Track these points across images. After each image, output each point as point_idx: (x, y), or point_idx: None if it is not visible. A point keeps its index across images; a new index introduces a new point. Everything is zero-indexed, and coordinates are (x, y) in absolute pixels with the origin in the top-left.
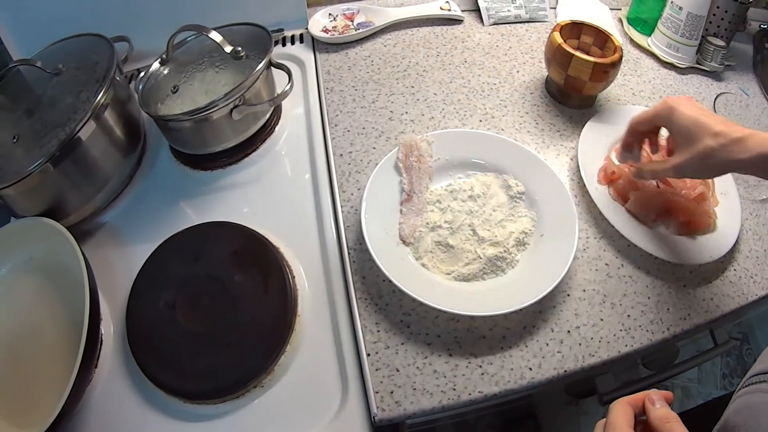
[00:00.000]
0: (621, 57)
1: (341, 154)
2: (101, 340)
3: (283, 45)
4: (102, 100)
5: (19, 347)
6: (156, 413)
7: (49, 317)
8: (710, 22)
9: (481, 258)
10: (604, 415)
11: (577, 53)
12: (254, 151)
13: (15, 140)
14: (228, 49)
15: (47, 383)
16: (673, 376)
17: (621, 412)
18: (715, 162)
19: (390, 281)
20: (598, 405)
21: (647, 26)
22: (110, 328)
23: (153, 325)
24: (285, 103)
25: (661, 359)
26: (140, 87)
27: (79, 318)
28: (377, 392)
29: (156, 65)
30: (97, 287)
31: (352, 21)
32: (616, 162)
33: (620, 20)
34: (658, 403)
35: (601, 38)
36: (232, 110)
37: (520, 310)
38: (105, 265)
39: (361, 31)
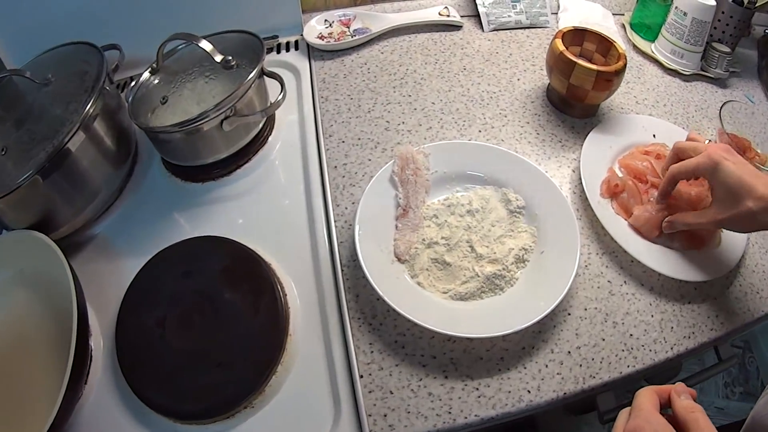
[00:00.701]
0: (625, 65)
1: (335, 166)
2: (91, 356)
3: (278, 52)
4: (91, 111)
5: (8, 361)
6: None
7: (39, 331)
8: (715, 28)
9: (479, 276)
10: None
11: (580, 61)
12: (247, 162)
13: (3, 152)
14: (218, 58)
15: (37, 399)
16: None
17: (647, 397)
18: (755, 223)
19: (384, 301)
20: (599, 422)
21: (651, 32)
22: (100, 344)
23: (142, 343)
24: (278, 113)
25: (662, 374)
26: (130, 98)
27: (69, 333)
28: (370, 415)
29: (146, 75)
30: (86, 302)
31: (349, 27)
32: (620, 174)
33: (623, 26)
34: (683, 396)
35: (605, 45)
36: (222, 121)
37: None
38: (95, 279)
39: (357, 37)
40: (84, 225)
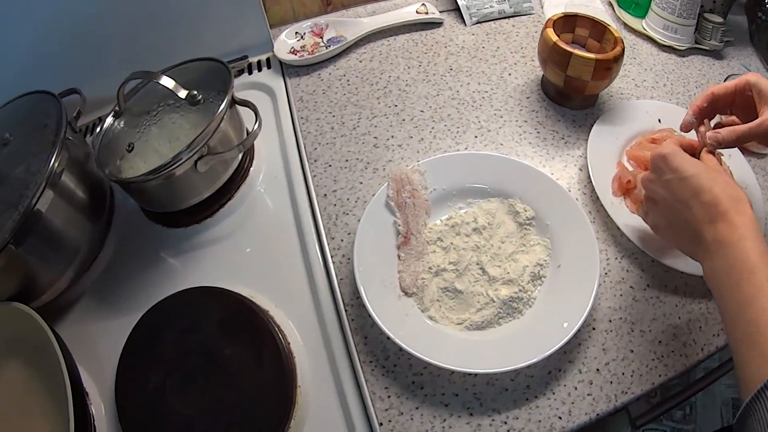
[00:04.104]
0: (623, 50)
1: (325, 194)
2: (94, 426)
3: (249, 73)
4: (56, 166)
5: None
6: None
7: (34, 404)
8: None
9: (494, 301)
10: None
11: (576, 51)
12: (229, 200)
13: None
14: (182, 94)
15: None
16: (703, 388)
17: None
18: None
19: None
20: (630, 429)
21: (639, 8)
22: (101, 409)
23: (145, 409)
24: (257, 141)
25: None
26: (96, 147)
27: (66, 401)
28: None
29: (110, 120)
30: (80, 368)
31: (322, 37)
32: (629, 167)
33: (610, 4)
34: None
35: (598, 29)
36: (197, 162)
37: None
38: (88, 341)
39: (332, 48)
40: (68, 286)
